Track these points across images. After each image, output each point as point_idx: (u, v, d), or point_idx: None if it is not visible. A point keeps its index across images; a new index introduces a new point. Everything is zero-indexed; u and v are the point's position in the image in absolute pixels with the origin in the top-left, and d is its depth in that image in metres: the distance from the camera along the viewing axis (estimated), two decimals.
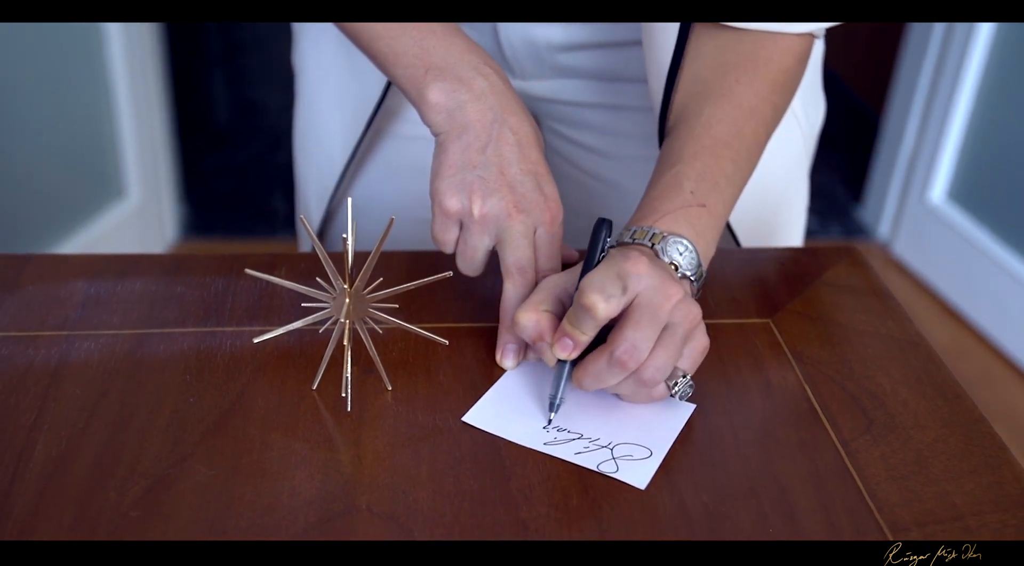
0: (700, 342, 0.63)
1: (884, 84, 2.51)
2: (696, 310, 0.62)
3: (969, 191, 2.20)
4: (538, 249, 0.68)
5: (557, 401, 0.63)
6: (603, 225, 0.67)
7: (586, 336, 0.62)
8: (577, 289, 0.62)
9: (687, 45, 0.75)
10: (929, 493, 0.58)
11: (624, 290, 0.61)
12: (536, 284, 0.67)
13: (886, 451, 0.61)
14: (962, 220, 2.20)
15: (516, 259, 0.67)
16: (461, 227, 0.69)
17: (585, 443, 0.61)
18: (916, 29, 2.32)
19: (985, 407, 0.65)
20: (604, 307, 0.60)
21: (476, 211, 0.67)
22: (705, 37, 0.75)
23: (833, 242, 2.43)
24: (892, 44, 2.48)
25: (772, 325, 0.72)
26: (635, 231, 0.67)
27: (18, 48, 1.80)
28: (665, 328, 0.61)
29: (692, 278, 0.66)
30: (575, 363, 0.63)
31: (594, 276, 0.62)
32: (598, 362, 0.61)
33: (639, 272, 0.61)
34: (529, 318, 0.64)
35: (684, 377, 0.62)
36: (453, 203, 0.68)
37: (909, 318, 0.74)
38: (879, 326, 0.73)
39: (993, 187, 2.13)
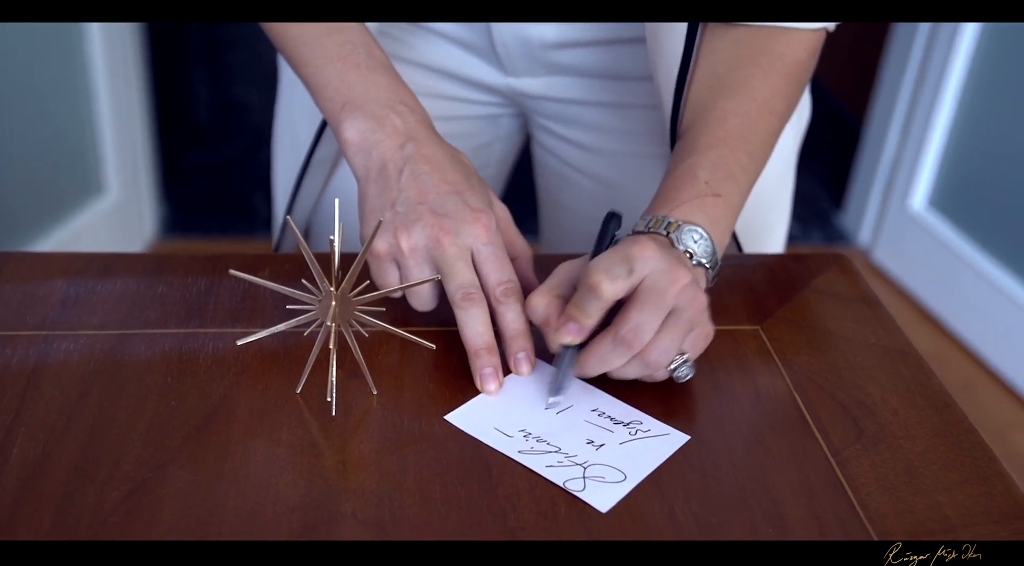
0: (705, 328, 0.64)
1: (866, 91, 2.52)
2: (702, 296, 0.63)
3: (950, 199, 2.21)
4: (482, 265, 0.66)
5: (563, 386, 0.63)
6: (611, 219, 0.68)
7: (591, 319, 0.62)
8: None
9: (702, 42, 0.75)
10: (920, 504, 0.57)
11: (630, 272, 0.61)
12: (487, 304, 0.66)
13: (876, 461, 0.60)
14: (943, 228, 2.20)
15: (457, 284, 0.65)
16: (399, 266, 0.67)
17: (560, 457, 0.59)
18: (898, 36, 2.33)
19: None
20: (609, 288, 0.61)
21: (404, 246, 0.66)
22: (719, 33, 0.75)
23: (814, 248, 2.43)
24: (875, 51, 2.49)
25: (761, 332, 0.71)
26: (650, 220, 0.68)
27: None
28: (671, 312, 0.62)
29: (707, 266, 0.67)
30: (580, 350, 0.63)
31: (601, 259, 0.62)
32: (603, 343, 0.61)
33: (646, 256, 0.62)
34: (540, 302, 0.64)
35: (682, 356, 0.63)
36: (380, 245, 0.66)
37: (898, 326, 0.74)
38: (868, 334, 0.72)
39: (974, 195, 2.13)
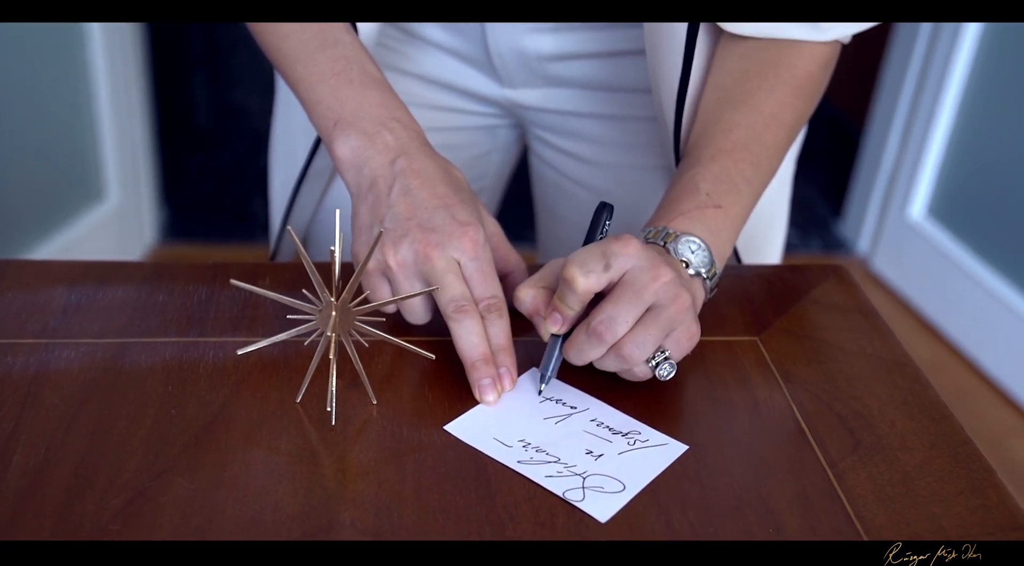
0: (689, 328, 0.64)
1: (865, 99, 2.52)
2: (685, 295, 0.63)
3: (949, 208, 2.22)
4: (468, 279, 0.66)
5: (548, 374, 0.65)
6: (604, 209, 0.68)
7: (572, 310, 0.63)
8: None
9: (712, 56, 0.75)
10: (916, 515, 0.58)
11: (607, 267, 0.62)
12: (479, 315, 0.66)
13: (873, 472, 0.61)
14: (941, 236, 2.21)
15: (449, 298, 0.65)
16: (390, 281, 0.67)
17: (559, 467, 0.60)
18: (897, 45, 2.33)
19: (961, 423, 0.66)
20: (583, 281, 0.62)
21: (391, 262, 0.66)
22: (729, 47, 0.75)
23: (813, 256, 2.44)
24: (874, 59, 2.49)
25: (759, 343, 0.72)
26: (649, 232, 0.68)
27: None
28: (650, 308, 0.62)
29: (705, 276, 0.67)
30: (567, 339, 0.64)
31: (579, 252, 0.63)
32: (579, 335, 0.63)
33: (626, 252, 0.62)
34: (527, 293, 0.66)
35: (663, 353, 0.63)
36: (370, 261, 0.66)
37: (895, 337, 0.74)
38: (866, 345, 0.72)
39: (972, 204, 2.14)
